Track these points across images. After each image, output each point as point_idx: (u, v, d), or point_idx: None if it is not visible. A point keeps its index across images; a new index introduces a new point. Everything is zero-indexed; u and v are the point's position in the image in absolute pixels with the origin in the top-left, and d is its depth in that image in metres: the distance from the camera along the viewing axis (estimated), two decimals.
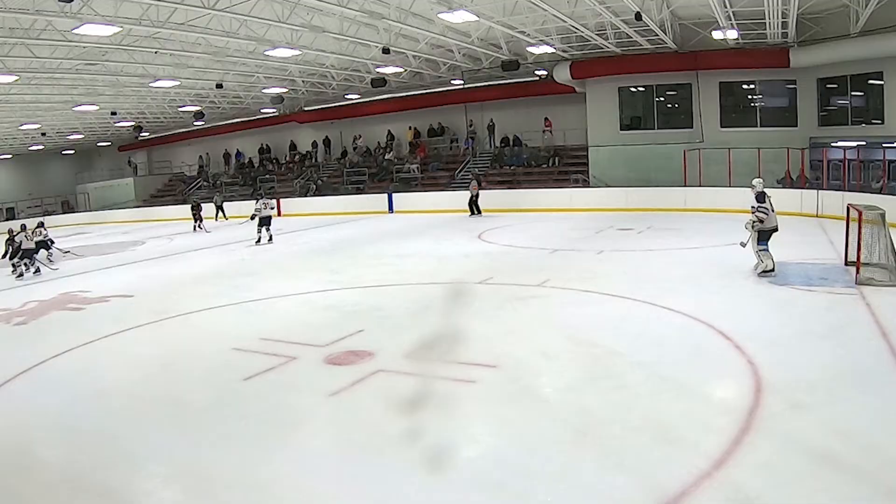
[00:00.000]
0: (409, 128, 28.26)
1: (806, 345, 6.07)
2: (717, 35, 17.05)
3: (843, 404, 4.63)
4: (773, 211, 8.99)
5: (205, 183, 32.72)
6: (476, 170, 24.70)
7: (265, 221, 16.23)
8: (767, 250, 8.98)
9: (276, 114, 29.73)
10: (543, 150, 24.72)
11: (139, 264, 14.82)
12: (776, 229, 9.11)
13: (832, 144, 18.03)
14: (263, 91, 23.86)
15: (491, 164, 25.28)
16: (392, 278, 10.57)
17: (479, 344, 6.60)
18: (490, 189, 23.24)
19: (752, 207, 8.95)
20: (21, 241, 13.46)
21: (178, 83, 20.57)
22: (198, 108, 25.82)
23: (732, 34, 16.99)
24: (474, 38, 17.93)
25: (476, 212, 20.47)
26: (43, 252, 15.21)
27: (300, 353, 6.61)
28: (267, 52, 17.01)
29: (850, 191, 15.38)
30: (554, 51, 18.97)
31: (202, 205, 23.45)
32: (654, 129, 21.51)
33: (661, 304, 7.62)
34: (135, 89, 21.34)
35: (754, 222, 8.94)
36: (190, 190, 32.55)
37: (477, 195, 20.59)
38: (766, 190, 9.08)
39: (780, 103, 20.01)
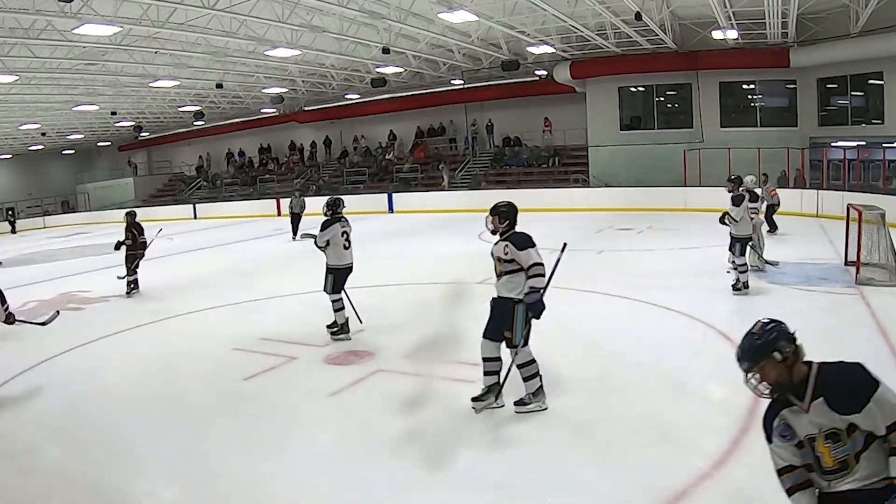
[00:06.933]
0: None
1: (806, 345, 6.03)
2: (717, 35, 17.05)
3: None
4: (750, 218, 8.19)
5: (204, 183, 32.70)
6: None
7: None
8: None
9: (276, 114, 29.71)
10: (543, 150, 24.71)
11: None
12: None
13: (832, 144, 18.05)
14: (263, 91, 23.86)
15: (491, 164, 25.26)
16: (392, 278, 10.56)
17: (480, 344, 6.58)
18: (490, 189, 23.24)
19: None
20: None
21: (177, 83, 20.57)
22: (198, 107, 25.82)
23: (732, 34, 16.98)
24: (474, 38, 17.92)
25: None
26: None
27: (300, 353, 6.61)
28: (267, 52, 17.01)
29: (850, 191, 15.39)
30: (554, 51, 18.97)
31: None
32: (654, 129, 21.50)
33: (661, 304, 7.62)
34: (135, 89, 21.34)
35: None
36: (190, 190, 32.53)
37: None
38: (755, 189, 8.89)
39: (780, 103, 20.01)
